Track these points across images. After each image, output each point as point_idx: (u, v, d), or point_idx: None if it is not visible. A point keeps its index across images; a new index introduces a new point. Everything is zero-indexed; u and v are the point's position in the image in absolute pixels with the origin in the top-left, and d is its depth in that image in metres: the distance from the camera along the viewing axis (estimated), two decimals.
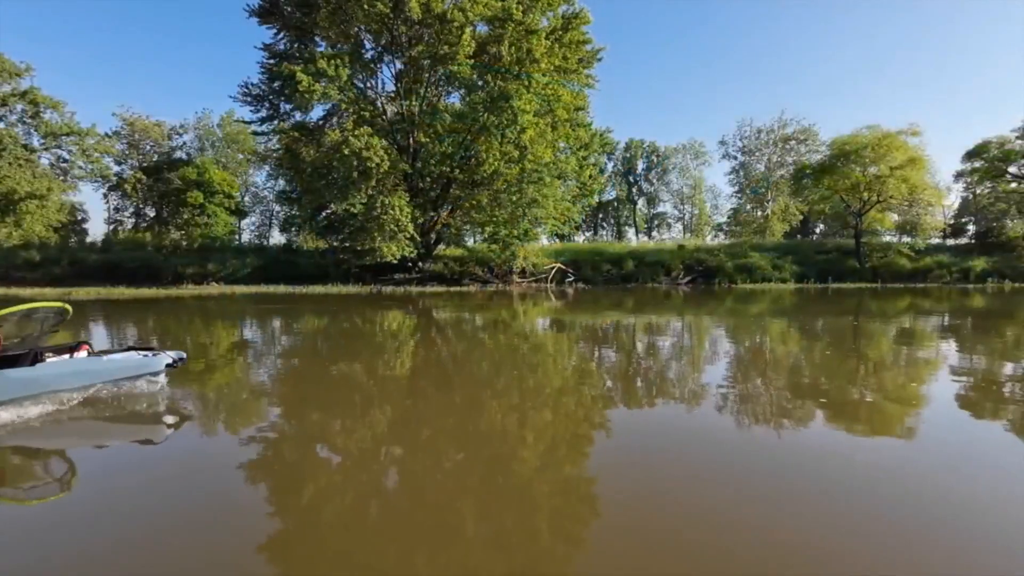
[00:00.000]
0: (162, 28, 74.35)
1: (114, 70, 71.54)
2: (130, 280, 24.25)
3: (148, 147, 42.80)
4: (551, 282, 27.41)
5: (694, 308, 12.72)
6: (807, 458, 2.60)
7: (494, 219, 25.68)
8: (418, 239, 25.52)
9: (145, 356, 3.41)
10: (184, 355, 3.77)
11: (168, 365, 3.53)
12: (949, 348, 6.35)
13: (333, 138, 21.98)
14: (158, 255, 29.87)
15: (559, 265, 28.17)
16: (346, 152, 21.57)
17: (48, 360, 3.12)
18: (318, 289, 21.59)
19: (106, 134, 38.62)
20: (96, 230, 43.10)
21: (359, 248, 24.90)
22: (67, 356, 3.30)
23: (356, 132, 21.98)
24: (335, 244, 27.56)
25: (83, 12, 70.72)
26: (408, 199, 25.05)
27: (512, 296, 19.08)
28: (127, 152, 41.49)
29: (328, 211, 26.66)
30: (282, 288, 22.01)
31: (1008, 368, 5.03)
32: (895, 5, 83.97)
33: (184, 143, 44.17)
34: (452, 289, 23.72)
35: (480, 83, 23.94)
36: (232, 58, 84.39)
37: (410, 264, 26.20)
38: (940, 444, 2.87)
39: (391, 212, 23.57)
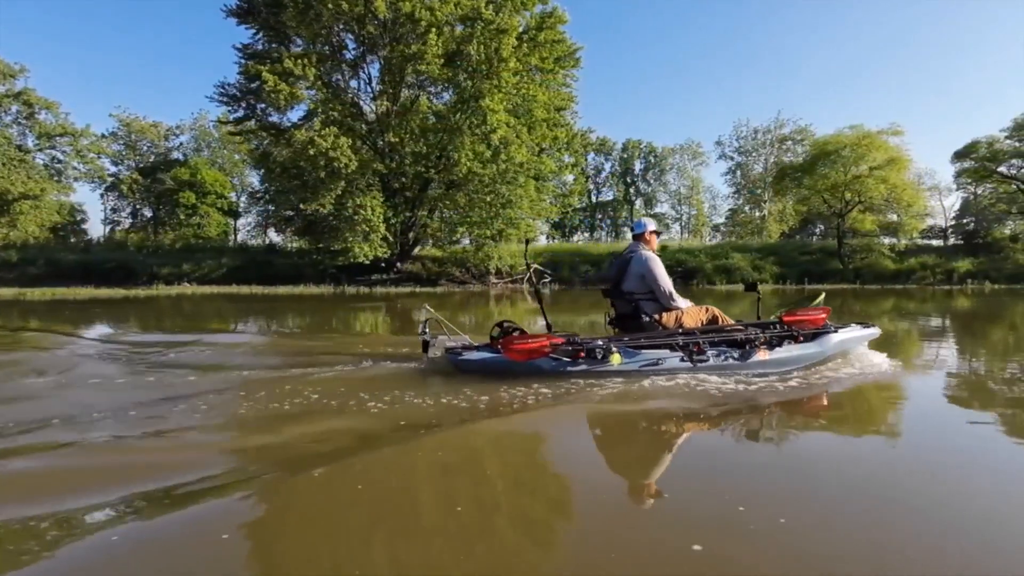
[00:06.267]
0: (161, 28, 75.60)
1: (113, 70, 72.84)
2: (105, 281, 24.37)
3: (145, 148, 43.41)
4: (527, 283, 27.15)
5: None
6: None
7: (468, 219, 25.55)
8: (391, 239, 25.44)
9: (866, 327, 4.74)
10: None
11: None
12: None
13: (300, 138, 22.03)
14: (137, 255, 30.11)
15: (536, 266, 27.80)
16: (312, 152, 21.60)
17: (840, 331, 4.43)
18: (281, 290, 21.62)
19: (102, 135, 39.28)
20: (96, 231, 43.90)
21: (333, 248, 24.93)
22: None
23: (323, 132, 21.99)
24: (310, 244, 27.66)
25: (83, 12, 72.15)
26: (383, 199, 25.01)
27: (488, 297, 18.98)
28: (124, 153, 42.10)
29: (305, 211, 26.74)
30: (246, 289, 22.06)
31: None
32: (897, 2, 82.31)
33: (181, 144, 44.71)
34: (426, 290, 23.57)
35: (463, 82, 23.75)
36: (232, 58, 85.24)
37: (383, 265, 26.13)
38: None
39: (362, 212, 23.55)
